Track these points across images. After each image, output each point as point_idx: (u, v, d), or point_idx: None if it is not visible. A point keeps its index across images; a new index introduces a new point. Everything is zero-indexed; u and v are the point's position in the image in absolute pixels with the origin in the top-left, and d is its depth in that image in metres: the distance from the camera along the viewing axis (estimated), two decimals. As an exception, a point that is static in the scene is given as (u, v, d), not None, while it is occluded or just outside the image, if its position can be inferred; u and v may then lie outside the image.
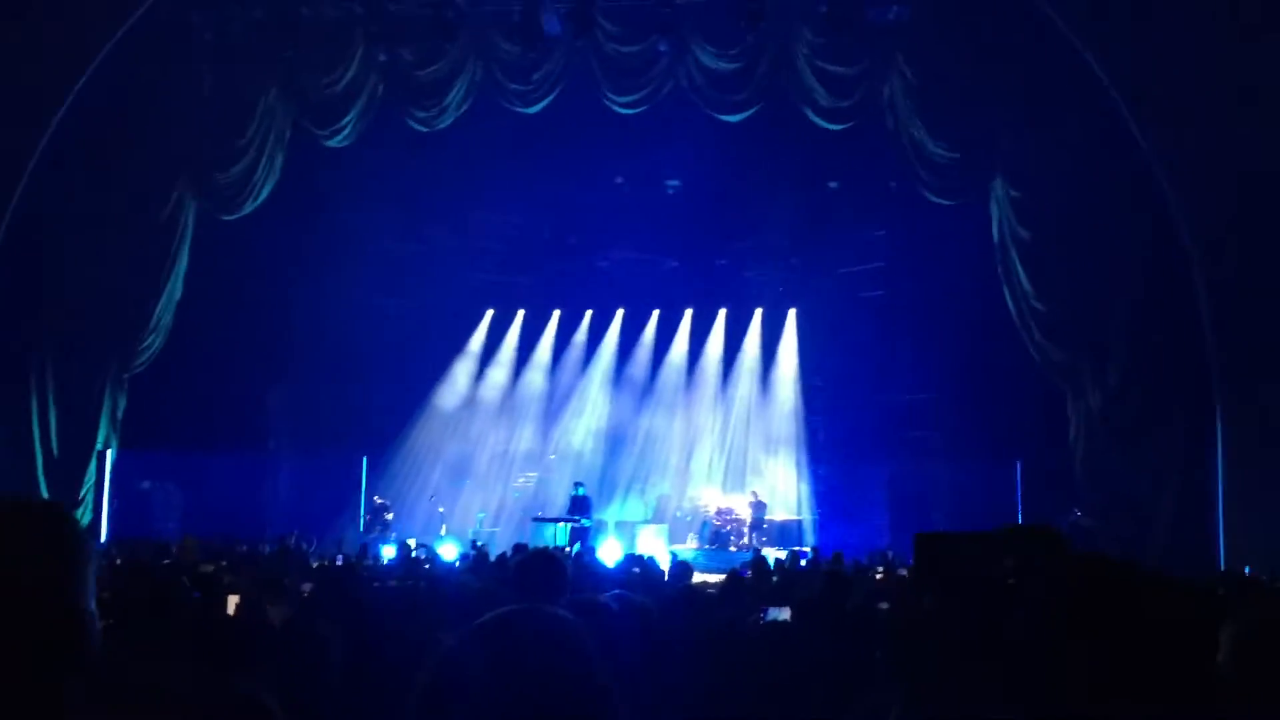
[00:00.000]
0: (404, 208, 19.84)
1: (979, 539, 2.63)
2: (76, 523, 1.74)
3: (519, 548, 14.86)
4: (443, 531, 19.43)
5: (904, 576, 10.16)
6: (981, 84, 15.97)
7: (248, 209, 17.57)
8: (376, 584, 9.00)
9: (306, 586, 7.62)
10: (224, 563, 10.89)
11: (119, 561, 10.41)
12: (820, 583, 5.45)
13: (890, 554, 16.16)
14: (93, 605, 1.67)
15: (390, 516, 19.23)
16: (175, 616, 4.85)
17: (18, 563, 1.62)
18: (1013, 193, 16.51)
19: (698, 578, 13.71)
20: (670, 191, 19.59)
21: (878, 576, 12.51)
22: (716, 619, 4.94)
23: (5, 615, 1.57)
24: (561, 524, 18.73)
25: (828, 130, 17.00)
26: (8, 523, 1.67)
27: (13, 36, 14.59)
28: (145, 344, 17.33)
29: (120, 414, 17.67)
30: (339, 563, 10.94)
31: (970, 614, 2.37)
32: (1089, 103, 15.43)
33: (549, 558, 4.23)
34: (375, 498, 19.81)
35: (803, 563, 15.62)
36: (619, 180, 19.96)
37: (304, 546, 15.63)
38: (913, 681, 2.43)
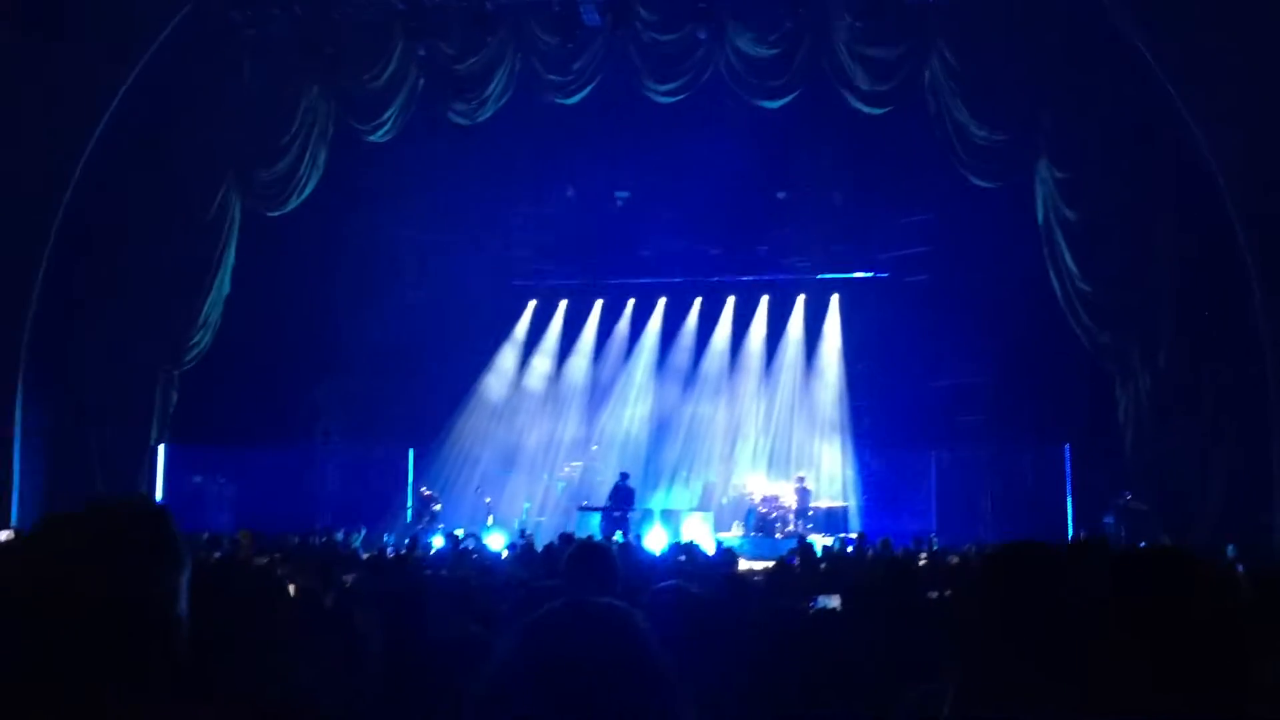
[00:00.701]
0: (447, 200, 19.95)
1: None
2: (176, 527, 1.76)
3: (565, 538, 14.95)
4: (489, 522, 19.57)
5: (953, 564, 10.12)
6: (1023, 65, 15.79)
7: (292, 205, 17.74)
8: (429, 572, 9.10)
9: (349, 578, 7.69)
10: (278, 555, 11.02)
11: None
12: (879, 569, 5.44)
13: (934, 539, 16.09)
14: (185, 610, 1.70)
15: (438, 508, 19.39)
16: (237, 608, 4.94)
17: (119, 565, 1.64)
18: (1058, 174, 16.32)
19: (743, 565, 13.74)
20: (704, 182, 19.51)
21: (921, 562, 12.48)
22: (766, 608, 4.96)
23: (103, 617, 1.60)
24: (607, 513, 18.82)
25: (869, 114, 16.87)
26: (111, 524, 1.70)
27: (61, 39, 14.80)
28: (194, 340, 17.55)
29: (171, 409, 17.91)
30: (389, 554, 11.03)
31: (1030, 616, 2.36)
32: (1133, 82, 15.22)
33: (598, 549, 4.24)
34: (422, 489, 19.97)
35: (849, 549, 15.61)
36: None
37: (353, 539, 15.80)
38: (968, 675, 2.43)
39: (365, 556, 11.90)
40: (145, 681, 1.61)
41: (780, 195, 20.28)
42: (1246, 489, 14.90)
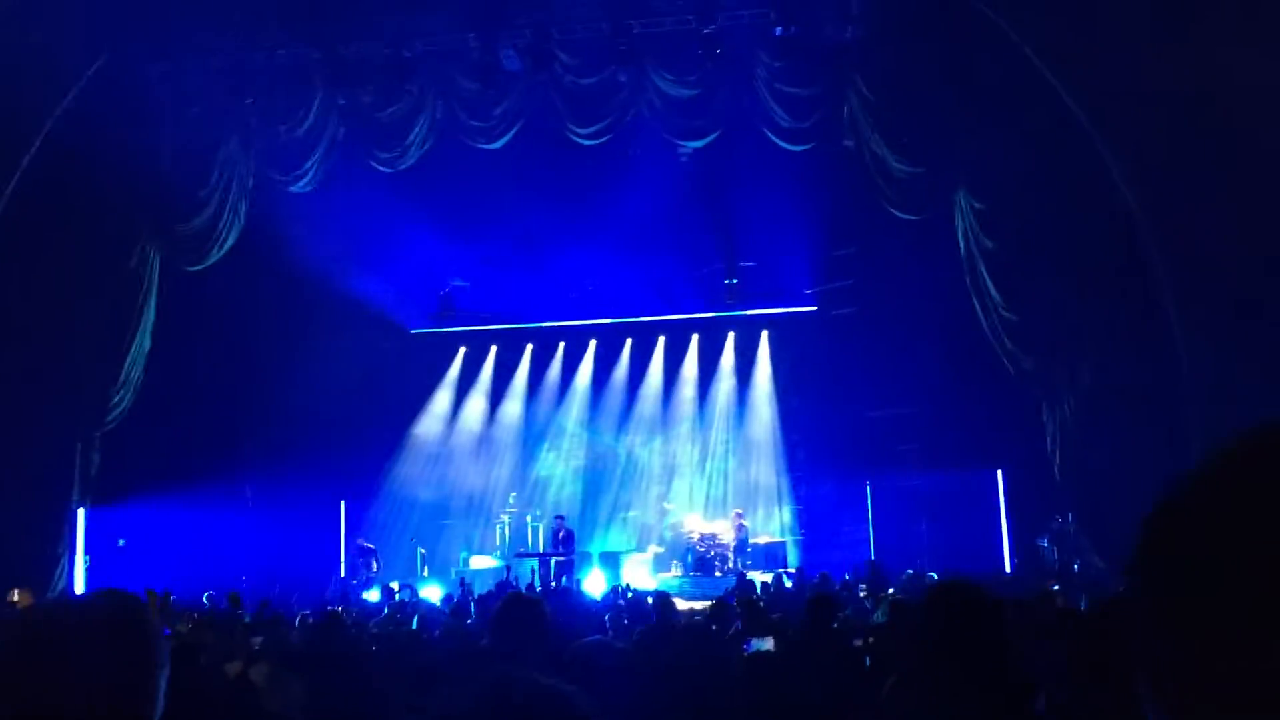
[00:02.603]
0: (371, 247, 19.83)
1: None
2: (156, 625, 1.68)
3: (502, 586, 14.79)
4: (424, 573, 19.30)
5: (896, 599, 10.14)
6: (939, 98, 16.07)
7: (213, 259, 17.46)
8: (358, 631, 8.92)
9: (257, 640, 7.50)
10: (195, 618, 10.75)
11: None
12: (805, 610, 5.41)
13: (866, 572, 16.06)
14: (158, 714, 1.63)
15: (376, 566, 19.10)
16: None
17: (95, 664, 1.56)
18: (976, 204, 16.61)
19: (684, 605, 13.67)
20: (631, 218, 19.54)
21: (861, 594, 12.52)
22: (699, 654, 4.90)
23: (71, 713, 1.53)
24: (545, 558, 18.68)
25: (791, 151, 17.06)
26: (90, 620, 1.62)
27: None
28: (115, 400, 17.14)
29: (94, 471, 17.45)
30: (319, 613, 10.77)
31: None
32: (1046, 112, 15.54)
33: (526, 603, 4.15)
34: (360, 540, 19.67)
35: (788, 583, 15.61)
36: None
37: (282, 607, 15.39)
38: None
39: (297, 622, 11.63)
40: None
41: (708, 235, 20.39)
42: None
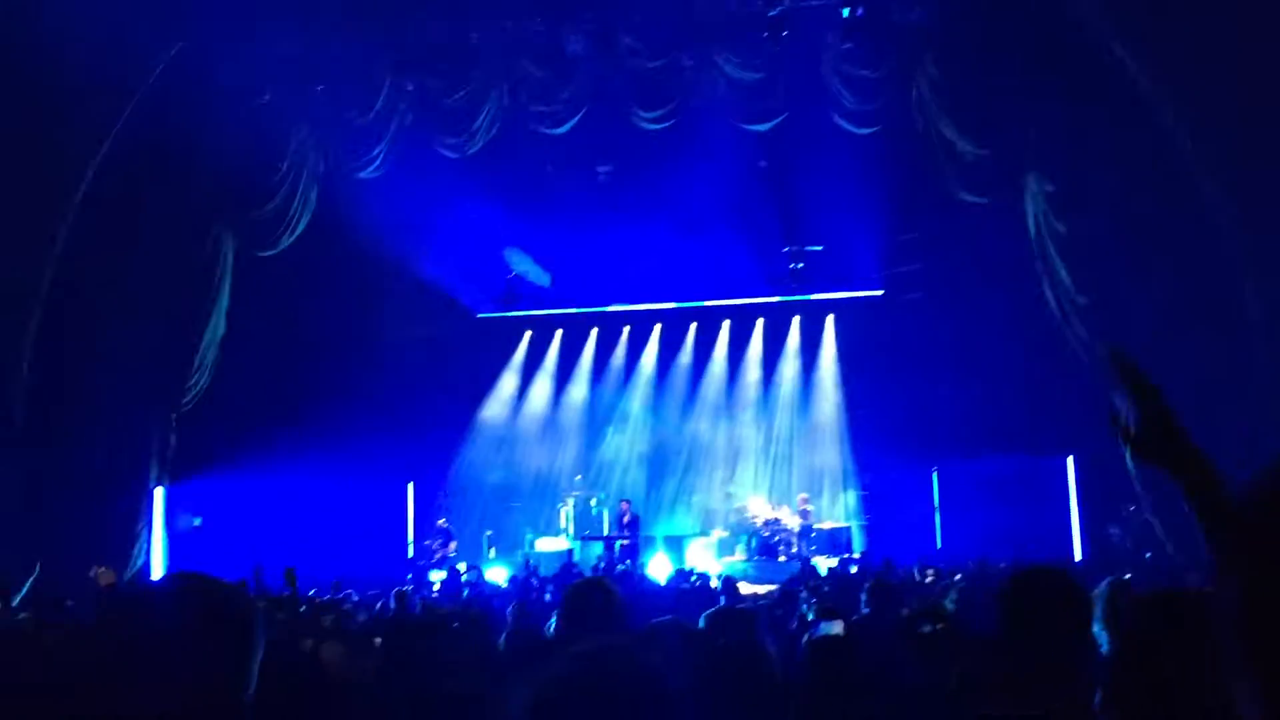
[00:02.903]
0: (439, 232, 20.05)
1: None
2: (256, 611, 1.74)
3: (567, 569, 14.89)
4: (491, 555, 19.50)
5: (959, 584, 10.05)
6: (1009, 79, 15.82)
7: (284, 244, 17.73)
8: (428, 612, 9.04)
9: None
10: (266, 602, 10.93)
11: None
12: (866, 597, 5.40)
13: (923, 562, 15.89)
14: (251, 695, 1.68)
15: (454, 547, 19.37)
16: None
17: (195, 647, 1.61)
18: (1047, 187, 16.34)
19: (747, 589, 13.67)
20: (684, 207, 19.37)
21: (927, 580, 12.42)
22: (768, 637, 4.91)
23: (170, 699, 1.57)
24: (610, 542, 18.80)
25: (857, 134, 16.91)
26: (194, 604, 1.67)
27: (47, 85, 14.82)
28: (191, 383, 17.51)
29: (170, 452, 17.85)
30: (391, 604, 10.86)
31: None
32: (1119, 90, 15.24)
33: (596, 586, 4.18)
34: (440, 522, 19.96)
35: (853, 569, 15.53)
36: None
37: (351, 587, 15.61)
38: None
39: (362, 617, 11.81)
40: None
41: (773, 219, 20.28)
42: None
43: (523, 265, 21.43)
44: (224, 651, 1.66)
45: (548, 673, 1.64)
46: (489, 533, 20.27)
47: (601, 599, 3.95)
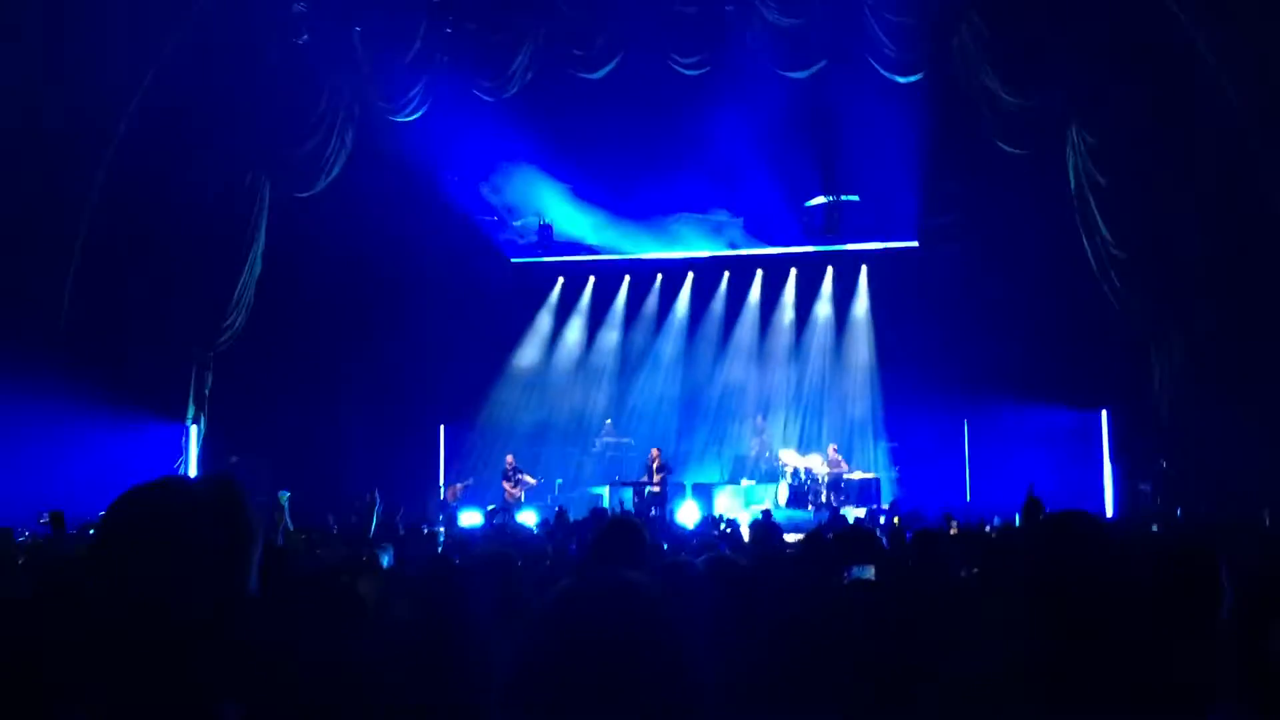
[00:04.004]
0: (474, 177, 20.08)
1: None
2: (247, 503, 1.77)
3: (597, 512, 15.02)
4: (521, 499, 19.68)
5: (989, 536, 10.08)
6: (1053, 29, 15.58)
7: (321, 185, 17.80)
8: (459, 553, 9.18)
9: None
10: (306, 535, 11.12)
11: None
12: (909, 545, 5.42)
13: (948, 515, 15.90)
14: (254, 586, 1.72)
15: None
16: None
17: (188, 541, 1.66)
18: (1089, 139, 16.13)
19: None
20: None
21: (952, 533, 12.44)
22: (801, 577, 4.97)
23: (169, 593, 1.62)
24: (640, 487, 18.93)
25: (898, 83, 16.72)
26: (184, 498, 1.72)
27: (88, 25, 14.87)
28: (228, 321, 17.68)
29: (207, 390, 18.06)
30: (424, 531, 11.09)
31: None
32: (1163, 44, 14.98)
33: (627, 524, 4.24)
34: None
35: (881, 520, 15.60)
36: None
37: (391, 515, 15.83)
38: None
39: (402, 532, 12.01)
40: (203, 654, 1.64)
41: (809, 166, 20.10)
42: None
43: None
44: (221, 536, 1.69)
45: (546, 598, 1.69)
46: (527, 478, 20.49)
47: (632, 537, 4.01)
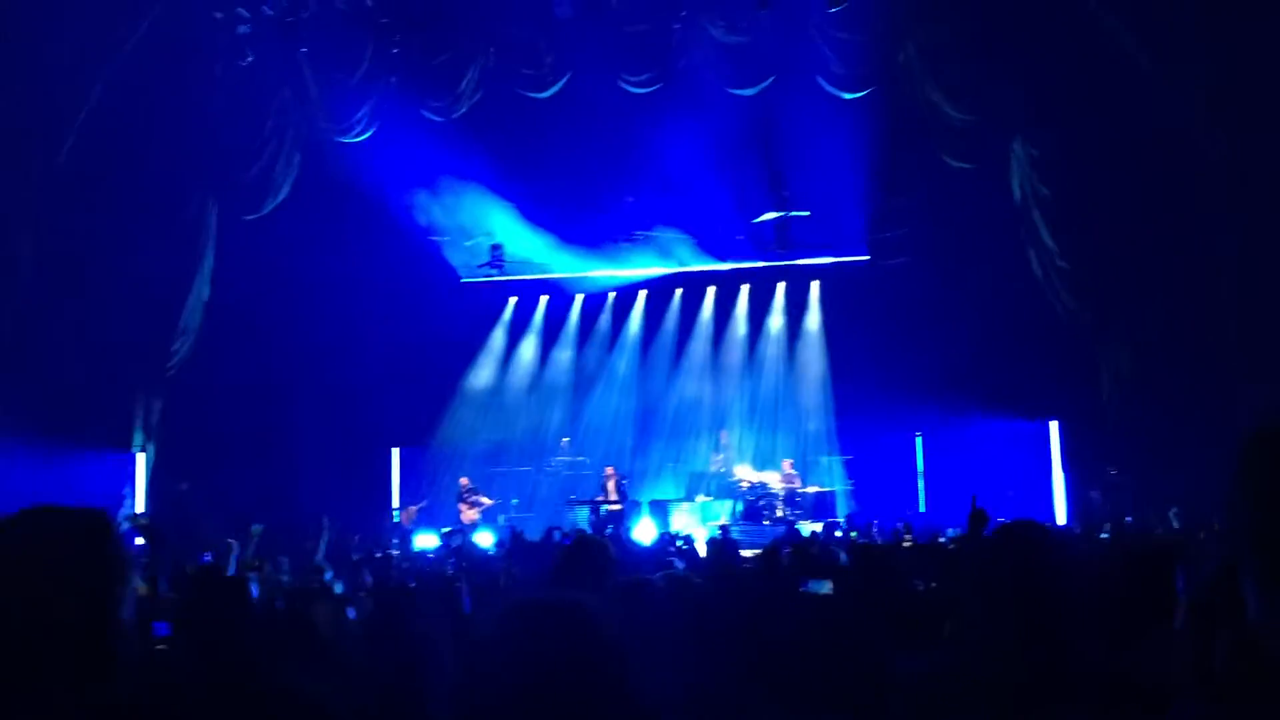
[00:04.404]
0: (424, 197, 19.99)
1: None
2: (116, 532, 1.76)
3: (552, 533, 14.95)
4: (476, 520, 19.53)
5: (945, 546, 10.14)
6: (996, 44, 15.81)
7: (269, 208, 17.64)
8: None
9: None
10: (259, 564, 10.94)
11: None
12: (850, 559, 5.44)
13: (907, 524, 16.01)
14: (128, 615, 1.70)
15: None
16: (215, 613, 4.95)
17: (56, 571, 1.64)
18: (1032, 151, 16.37)
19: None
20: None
21: (905, 544, 12.51)
22: (758, 593, 4.96)
23: (40, 622, 1.60)
24: (595, 506, 18.87)
25: (844, 99, 16.87)
26: (50, 530, 1.70)
27: (29, 46, 14.66)
28: (175, 347, 17.45)
29: (155, 417, 17.81)
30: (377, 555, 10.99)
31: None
32: (1103, 55, 15.24)
33: (592, 543, 4.22)
34: (410, 508, 20.00)
35: (838, 534, 15.64)
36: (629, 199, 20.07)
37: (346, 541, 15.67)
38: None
39: (356, 557, 11.87)
40: (76, 682, 1.63)
41: (758, 184, 20.21)
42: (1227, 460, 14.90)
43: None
44: (82, 573, 1.69)
45: (490, 618, 1.68)
46: (515, 500, 20.41)
47: (596, 555, 3.99)
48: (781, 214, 20.51)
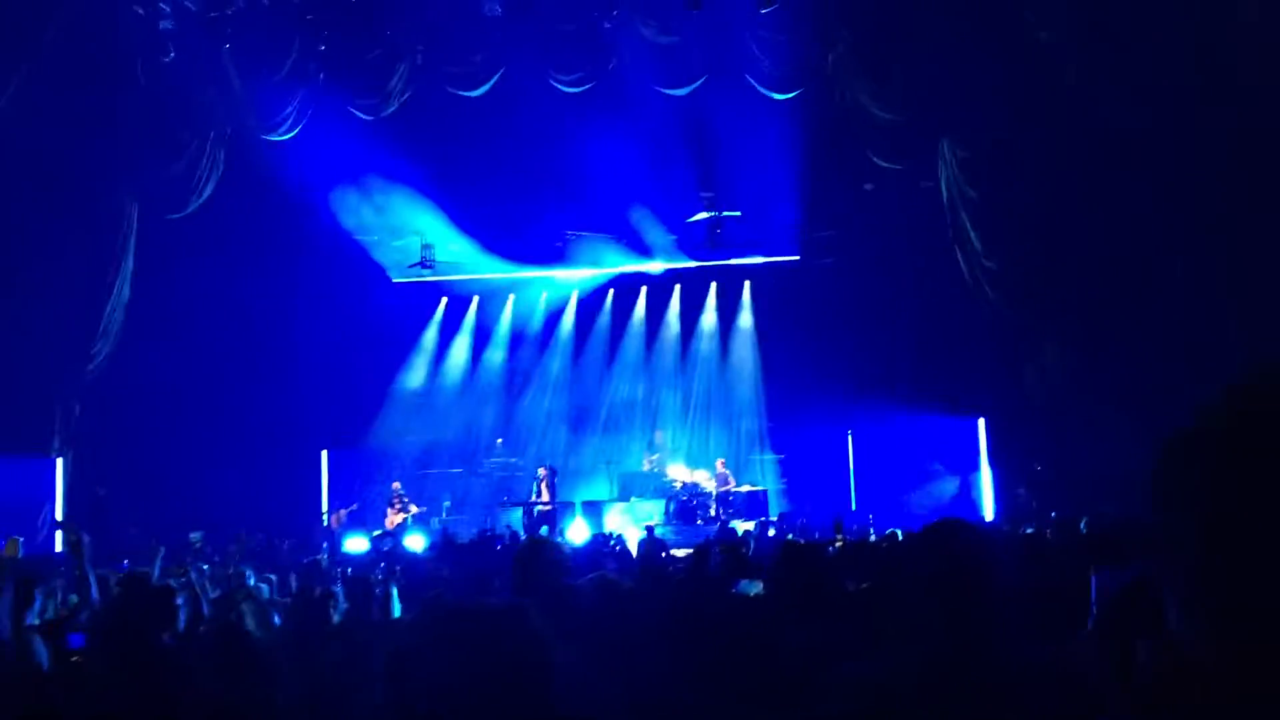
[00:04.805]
0: (353, 196, 19.72)
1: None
2: None
3: (484, 535, 14.86)
4: (408, 523, 19.34)
5: (876, 544, 10.20)
6: (924, 46, 15.98)
7: (193, 207, 17.29)
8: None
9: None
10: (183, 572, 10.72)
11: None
12: (778, 557, 5.45)
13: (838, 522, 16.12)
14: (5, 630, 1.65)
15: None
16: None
17: None
18: (959, 152, 16.58)
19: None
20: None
21: (838, 544, 12.58)
22: (688, 594, 4.94)
23: None
24: (529, 507, 18.79)
25: (774, 100, 16.96)
26: None
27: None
28: (96, 349, 17.04)
29: (74, 421, 17.39)
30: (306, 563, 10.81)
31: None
32: (1033, 59, 15.46)
33: (542, 546, 4.19)
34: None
35: (771, 532, 15.71)
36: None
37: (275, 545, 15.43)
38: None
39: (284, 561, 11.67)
40: None
41: (689, 184, 20.24)
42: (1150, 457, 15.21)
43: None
44: None
45: (417, 621, 1.65)
46: (447, 502, 20.19)
47: (549, 557, 3.96)
48: (713, 214, 20.56)
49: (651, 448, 21.03)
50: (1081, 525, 7.30)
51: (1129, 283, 15.62)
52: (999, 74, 15.68)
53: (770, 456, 20.94)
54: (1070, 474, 15.72)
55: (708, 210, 20.58)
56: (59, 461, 17.23)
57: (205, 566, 9.86)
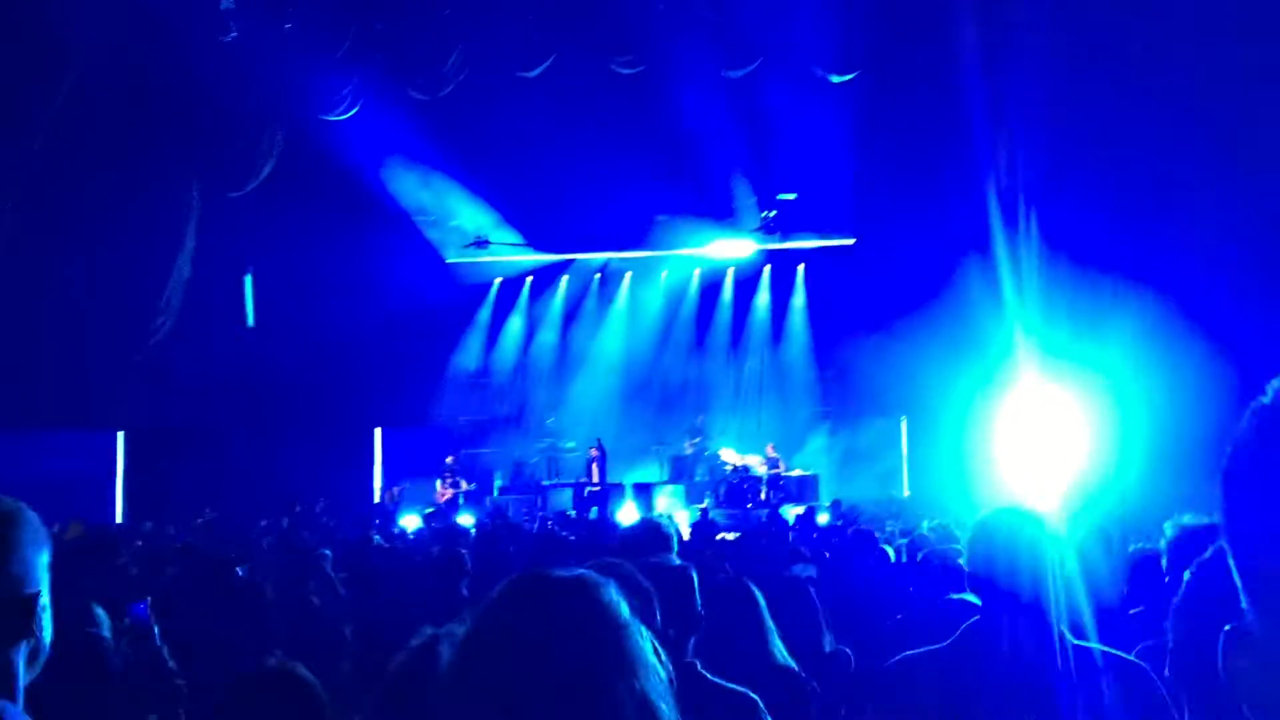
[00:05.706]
0: (409, 177, 19.84)
1: None
2: (19, 512, 1.72)
3: (534, 514, 14.93)
4: (460, 501, 19.50)
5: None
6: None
7: (251, 185, 17.48)
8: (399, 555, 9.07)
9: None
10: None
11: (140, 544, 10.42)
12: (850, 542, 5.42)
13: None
14: (38, 590, 1.67)
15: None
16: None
17: None
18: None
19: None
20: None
21: (888, 529, 12.50)
22: (743, 574, 4.94)
23: None
24: (579, 488, 18.86)
25: (832, 83, 16.82)
26: None
27: (14, 18, 14.46)
28: (156, 324, 17.30)
29: (135, 396, 17.68)
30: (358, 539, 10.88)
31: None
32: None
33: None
34: (393, 490, 19.93)
35: (820, 518, 15.64)
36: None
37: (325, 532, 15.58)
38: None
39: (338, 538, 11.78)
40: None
41: (746, 166, 20.09)
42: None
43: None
44: None
45: (495, 593, 1.64)
46: (500, 481, 20.37)
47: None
48: (767, 197, 20.47)
49: (693, 431, 20.96)
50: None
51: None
52: (1045, 71, 15.34)
53: (823, 441, 20.80)
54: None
55: (762, 193, 20.46)
56: (119, 436, 17.54)
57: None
